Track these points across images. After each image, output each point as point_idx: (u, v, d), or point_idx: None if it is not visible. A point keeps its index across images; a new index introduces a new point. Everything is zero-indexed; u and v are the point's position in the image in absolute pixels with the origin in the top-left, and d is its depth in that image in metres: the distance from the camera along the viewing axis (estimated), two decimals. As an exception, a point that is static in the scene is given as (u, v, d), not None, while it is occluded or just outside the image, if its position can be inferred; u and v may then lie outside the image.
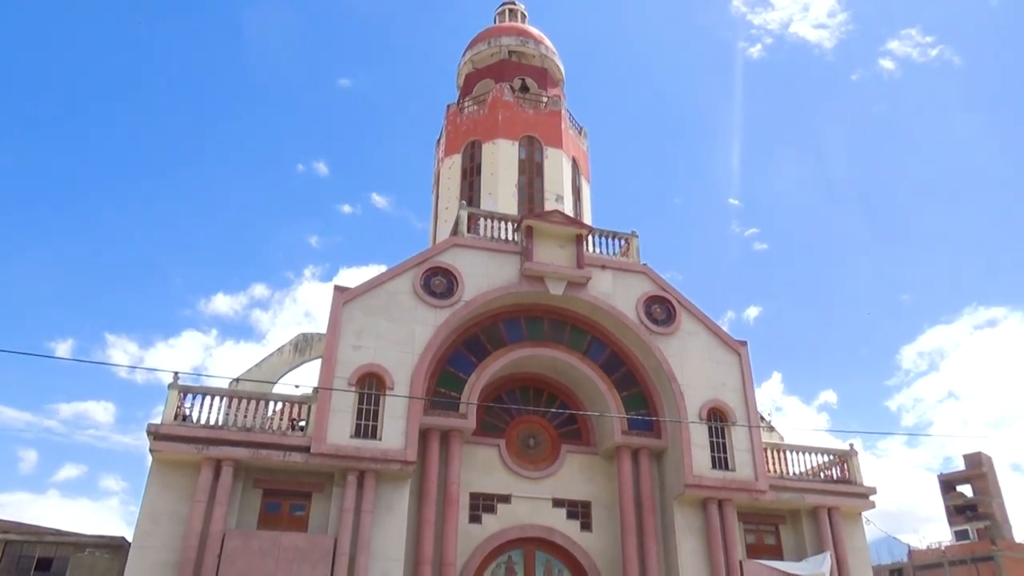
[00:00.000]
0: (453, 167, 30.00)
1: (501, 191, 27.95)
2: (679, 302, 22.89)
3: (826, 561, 20.52)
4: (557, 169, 29.07)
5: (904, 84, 79.76)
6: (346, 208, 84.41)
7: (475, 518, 20.46)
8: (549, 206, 27.18)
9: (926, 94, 77.97)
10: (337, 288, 20.36)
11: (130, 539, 18.86)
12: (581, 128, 32.24)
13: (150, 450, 17.58)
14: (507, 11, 36.39)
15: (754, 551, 21.21)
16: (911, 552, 58.09)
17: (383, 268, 21.35)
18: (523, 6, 36.77)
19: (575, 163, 30.61)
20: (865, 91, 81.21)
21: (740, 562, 20.06)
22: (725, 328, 23.34)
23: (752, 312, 71.34)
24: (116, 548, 22.34)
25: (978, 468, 65.54)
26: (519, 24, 35.50)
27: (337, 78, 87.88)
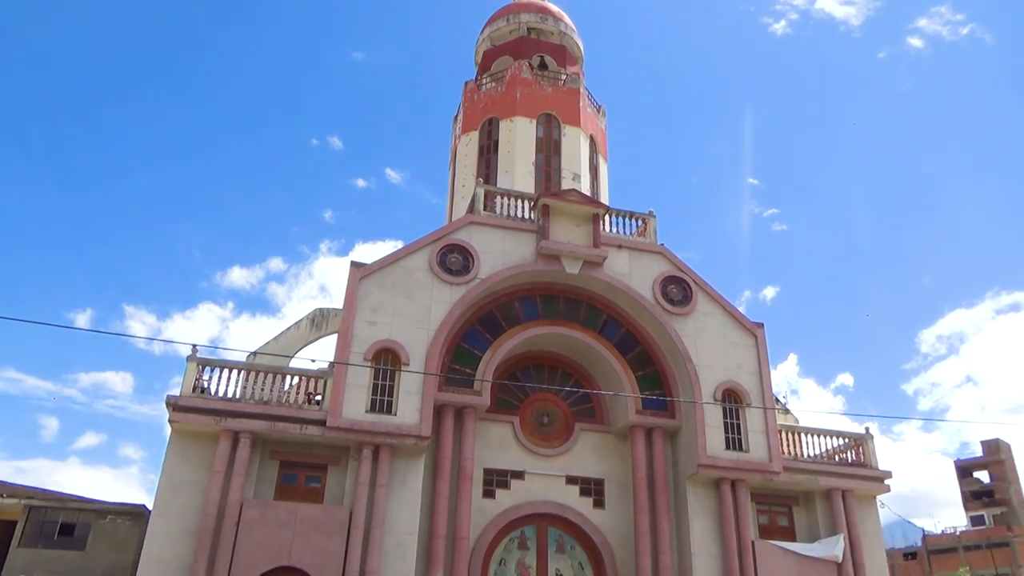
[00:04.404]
0: (470, 144, 29.89)
1: (518, 169, 27.81)
2: (696, 283, 22.79)
3: (839, 543, 20.55)
4: (575, 148, 28.87)
5: (933, 63, 78.11)
6: (360, 183, 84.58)
7: (489, 493, 20.65)
8: (566, 185, 27.01)
9: (956, 73, 76.27)
10: (354, 264, 20.48)
11: (150, 507, 19.25)
12: (599, 106, 31.95)
13: (169, 421, 17.87)
14: (527, -13, 35.94)
15: (766, 532, 21.26)
16: (925, 536, 58.00)
17: (398, 243, 21.53)
18: (543, -18, 36.30)
19: (593, 142, 30.38)
20: (892, 69, 79.68)
21: (752, 542, 20.12)
22: (742, 308, 23.24)
23: (769, 292, 70.90)
24: (137, 516, 22.75)
25: (996, 455, 65.06)
26: (539, 1, 35.11)
27: (350, 51, 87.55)
